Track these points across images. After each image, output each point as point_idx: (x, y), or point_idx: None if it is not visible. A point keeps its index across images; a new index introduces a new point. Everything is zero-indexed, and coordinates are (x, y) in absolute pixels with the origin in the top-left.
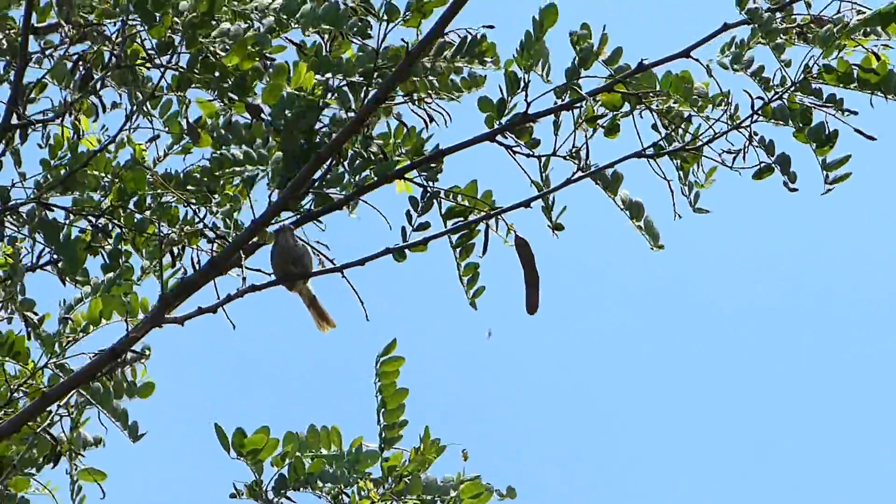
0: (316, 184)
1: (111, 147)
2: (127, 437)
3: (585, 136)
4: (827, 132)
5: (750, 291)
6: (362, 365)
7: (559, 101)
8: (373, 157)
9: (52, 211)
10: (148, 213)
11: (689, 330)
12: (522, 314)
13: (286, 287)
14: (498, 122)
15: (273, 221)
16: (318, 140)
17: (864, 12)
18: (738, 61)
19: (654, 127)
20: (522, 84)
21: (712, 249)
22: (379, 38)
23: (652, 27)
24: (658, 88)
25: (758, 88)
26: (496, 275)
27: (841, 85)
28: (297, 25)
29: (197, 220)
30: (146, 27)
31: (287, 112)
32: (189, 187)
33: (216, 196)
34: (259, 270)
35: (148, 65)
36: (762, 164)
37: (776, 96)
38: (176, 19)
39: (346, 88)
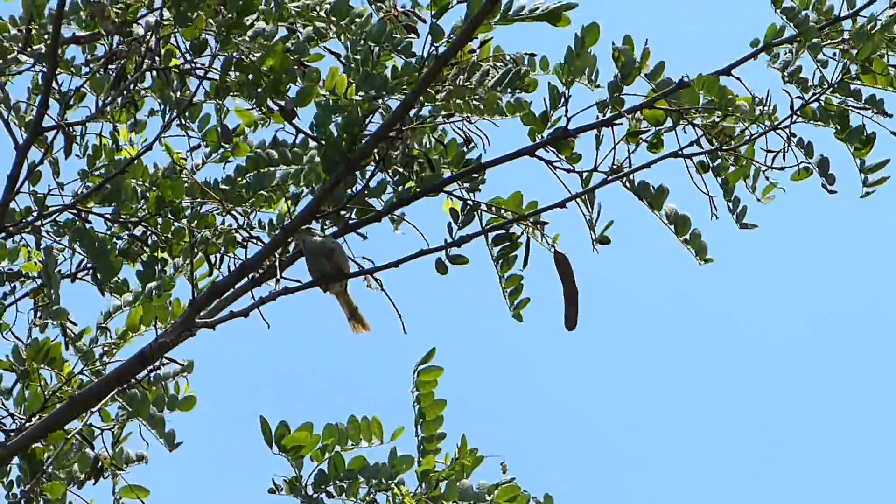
0: (357, 195)
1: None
2: (164, 446)
3: (628, 151)
4: (865, 134)
5: (790, 308)
6: (395, 373)
7: (601, 116)
8: (414, 175)
9: (91, 223)
10: (184, 220)
11: (729, 346)
12: (561, 328)
13: (322, 288)
14: (540, 136)
15: (303, 227)
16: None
17: None
18: (775, 61)
19: (697, 142)
20: (563, 99)
21: (749, 264)
22: (423, 57)
23: (690, 37)
24: (699, 104)
25: (795, 89)
26: (534, 288)
27: (879, 86)
28: (334, 36)
29: (234, 226)
30: (179, 29)
31: (327, 124)
32: (223, 187)
33: (251, 197)
34: (297, 281)
35: (183, 69)
36: (801, 164)
37: (814, 97)
38: (210, 20)
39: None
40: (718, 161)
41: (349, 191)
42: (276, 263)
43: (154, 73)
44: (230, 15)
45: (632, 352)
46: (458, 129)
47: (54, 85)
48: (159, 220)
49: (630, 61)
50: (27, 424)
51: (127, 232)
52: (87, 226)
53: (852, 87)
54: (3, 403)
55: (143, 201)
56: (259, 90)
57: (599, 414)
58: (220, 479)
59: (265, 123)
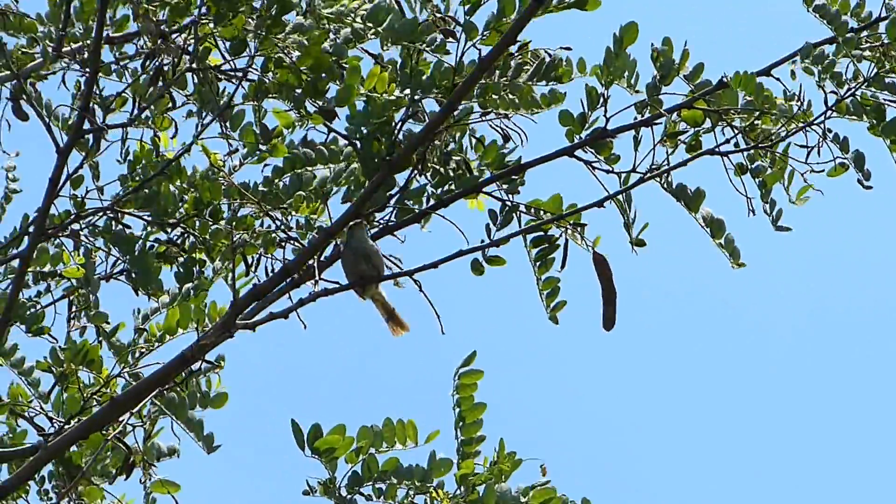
0: (396, 197)
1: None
2: (202, 448)
3: (666, 153)
4: None
5: (822, 309)
6: (430, 374)
7: (639, 117)
8: (452, 173)
9: (130, 227)
10: (223, 222)
11: (766, 346)
12: (598, 329)
13: (358, 294)
14: (578, 137)
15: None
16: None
17: None
18: (808, 56)
19: (736, 144)
20: (602, 100)
21: (779, 266)
22: (458, 55)
23: (727, 38)
24: (739, 105)
25: (830, 84)
26: (573, 289)
27: None
28: (373, 36)
29: (273, 228)
30: (218, 29)
31: (363, 127)
32: (262, 189)
33: (289, 198)
34: (336, 282)
35: (222, 71)
36: (836, 159)
37: (849, 92)
38: (249, 18)
39: (422, 103)
40: (757, 163)
41: (388, 193)
42: (315, 265)
43: (192, 74)
44: (270, 12)
45: (668, 353)
46: (496, 126)
47: (95, 90)
48: (197, 222)
49: (669, 62)
50: (65, 427)
51: (164, 234)
52: (127, 230)
53: (887, 80)
54: (41, 406)
55: (181, 203)
56: (298, 91)
57: (636, 415)
58: (255, 478)
59: (303, 125)
